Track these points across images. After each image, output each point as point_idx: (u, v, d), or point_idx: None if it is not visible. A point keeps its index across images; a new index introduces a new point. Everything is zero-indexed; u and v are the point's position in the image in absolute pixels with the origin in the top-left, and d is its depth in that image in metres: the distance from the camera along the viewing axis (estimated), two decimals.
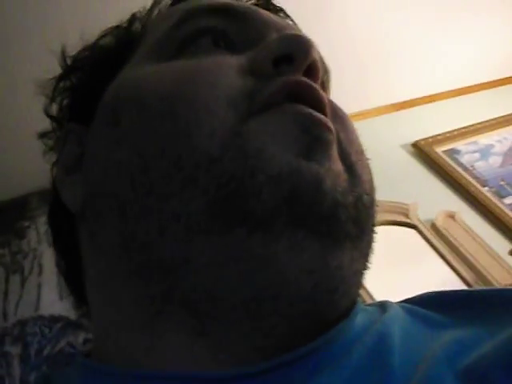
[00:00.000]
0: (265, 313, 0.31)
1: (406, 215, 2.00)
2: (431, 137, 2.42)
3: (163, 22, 0.46)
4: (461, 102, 2.71)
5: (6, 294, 1.76)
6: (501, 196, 2.17)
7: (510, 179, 2.27)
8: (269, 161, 0.31)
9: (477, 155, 2.39)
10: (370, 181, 0.39)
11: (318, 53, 0.46)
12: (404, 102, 2.65)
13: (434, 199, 2.14)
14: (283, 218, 0.30)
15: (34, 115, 0.54)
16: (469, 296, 0.40)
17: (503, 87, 2.84)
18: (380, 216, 1.67)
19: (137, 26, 0.51)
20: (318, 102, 0.35)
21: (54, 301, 1.68)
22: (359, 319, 0.37)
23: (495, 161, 2.37)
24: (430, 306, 0.40)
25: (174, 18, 0.44)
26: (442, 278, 1.84)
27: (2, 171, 1.86)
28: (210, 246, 0.31)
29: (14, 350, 1.58)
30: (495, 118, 2.57)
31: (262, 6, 0.49)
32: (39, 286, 1.76)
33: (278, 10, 0.52)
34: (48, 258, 1.76)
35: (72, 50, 0.52)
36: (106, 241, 0.38)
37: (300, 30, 0.51)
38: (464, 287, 1.79)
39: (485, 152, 2.41)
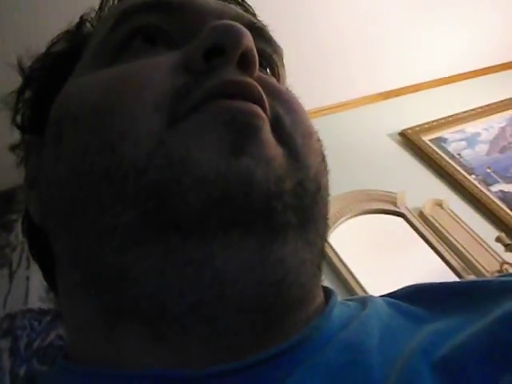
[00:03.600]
0: (215, 314, 0.31)
1: (394, 204, 2.01)
2: (418, 125, 2.44)
3: (103, 24, 0.45)
4: (447, 90, 2.72)
5: None
6: (488, 184, 2.19)
7: (497, 167, 2.29)
8: (193, 166, 0.30)
9: (463, 143, 2.41)
10: (318, 165, 0.37)
11: (264, 32, 0.44)
12: (390, 91, 2.66)
13: (422, 187, 2.15)
14: (214, 220, 0.30)
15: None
16: (450, 288, 0.40)
17: (490, 75, 2.86)
18: (368, 205, 1.69)
19: (86, 28, 0.50)
20: (244, 92, 0.34)
21: (42, 294, 1.67)
22: (337, 314, 0.37)
23: (482, 149, 2.39)
24: (413, 300, 0.40)
25: (111, 20, 0.43)
26: (430, 266, 1.86)
27: None
28: (147, 255, 0.31)
29: (4, 344, 1.57)
30: (481, 107, 2.59)
31: None
32: (27, 279, 1.76)
33: None
34: None
35: (30, 60, 0.51)
36: (61, 254, 0.38)
37: (252, 15, 0.49)
38: (452, 275, 1.81)
39: (471, 140, 2.43)
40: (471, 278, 1.74)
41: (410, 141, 2.37)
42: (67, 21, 0.52)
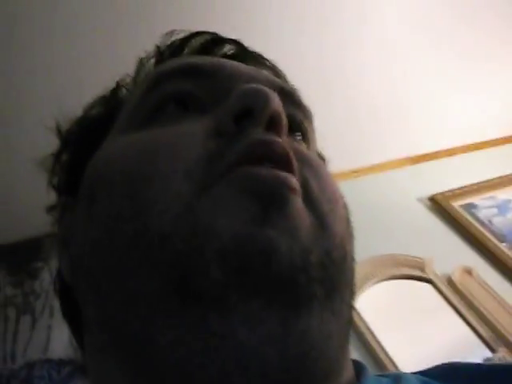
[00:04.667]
0: None
1: (422, 269, 1.97)
2: (449, 191, 2.41)
3: (138, 89, 0.46)
4: (479, 156, 2.71)
5: (15, 334, 1.75)
6: None
7: None
8: (215, 235, 0.30)
9: (494, 210, 2.37)
10: (344, 231, 0.36)
11: (294, 96, 0.45)
12: (422, 155, 2.65)
13: (451, 254, 2.11)
14: (233, 291, 0.29)
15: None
16: (488, 370, 0.38)
17: None
18: (396, 270, 1.66)
19: (121, 93, 0.52)
20: (273, 151, 0.34)
21: (63, 344, 1.67)
22: None
23: None
24: (447, 379, 0.38)
25: (145, 84, 0.44)
26: (458, 335, 1.81)
27: (17, 211, 1.88)
28: (171, 325, 0.30)
29: None
30: None
31: (239, 58, 0.49)
32: (49, 328, 1.75)
33: (256, 58, 0.51)
34: None
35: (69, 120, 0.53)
36: (89, 315, 0.38)
37: (283, 79, 0.50)
38: (481, 344, 1.75)
39: (502, 207, 2.40)
40: (501, 349, 1.69)
41: (439, 206, 2.35)
42: (105, 83, 0.54)
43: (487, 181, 2.50)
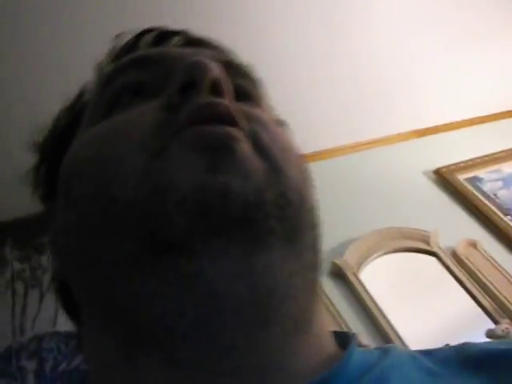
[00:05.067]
0: (216, 329, 0.32)
1: (427, 242, 1.98)
2: (453, 164, 2.42)
3: (96, 87, 0.49)
4: (483, 129, 2.70)
5: (24, 308, 1.77)
6: None
7: None
8: (173, 189, 0.33)
9: (499, 183, 2.38)
10: (299, 177, 0.38)
11: (241, 68, 0.48)
12: (427, 129, 2.64)
13: (456, 227, 2.12)
14: (198, 234, 0.32)
15: None
16: (498, 355, 0.38)
17: None
18: (401, 242, 1.67)
19: (86, 97, 0.54)
20: (213, 111, 0.36)
21: None
22: (359, 360, 0.36)
23: None
24: (449, 364, 0.38)
25: (101, 81, 0.48)
26: (462, 307, 1.82)
27: (22, 187, 1.89)
28: (148, 278, 0.32)
29: (30, 366, 1.58)
30: None
31: (192, 43, 0.52)
32: (57, 302, 1.77)
33: (203, 43, 0.54)
34: None
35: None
36: (82, 302, 0.41)
37: (229, 53, 0.53)
38: (484, 316, 1.77)
39: (507, 180, 2.40)
40: (504, 320, 1.70)
41: (445, 179, 2.35)
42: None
43: (492, 154, 2.49)
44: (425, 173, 2.42)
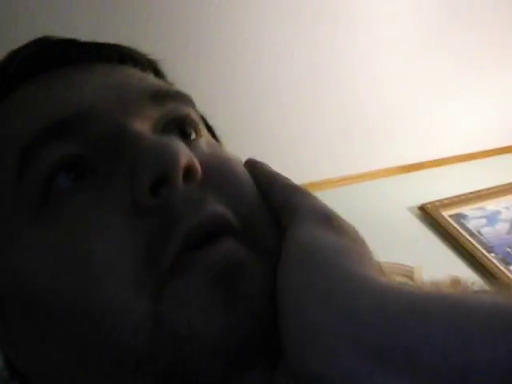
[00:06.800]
0: None
1: (411, 278, 1.97)
2: (438, 200, 2.41)
3: (5, 167, 0.37)
4: (469, 167, 2.71)
5: None
6: (507, 263, 2.15)
7: None
8: (200, 337, 0.30)
9: (484, 221, 2.38)
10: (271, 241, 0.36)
11: (171, 93, 0.41)
12: (412, 165, 2.65)
13: (440, 263, 2.11)
14: (235, 371, 0.31)
15: None
16: None
17: None
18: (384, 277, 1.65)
19: None
20: (213, 229, 0.33)
21: None
22: None
23: (502, 227, 2.36)
24: None
25: (10, 167, 0.36)
26: None
27: None
28: None
29: None
30: (503, 185, 2.56)
31: (104, 58, 0.43)
32: None
33: (119, 53, 0.45)
34: None
35: None
36: None
37: (157, 72, 0.47)
38: None
39: (492, 218, 2.40)
40: None
41: (429, 215, 2.35)
42: None
43: (477, 191, 2.50)
44: (409, 208, 2.42)
